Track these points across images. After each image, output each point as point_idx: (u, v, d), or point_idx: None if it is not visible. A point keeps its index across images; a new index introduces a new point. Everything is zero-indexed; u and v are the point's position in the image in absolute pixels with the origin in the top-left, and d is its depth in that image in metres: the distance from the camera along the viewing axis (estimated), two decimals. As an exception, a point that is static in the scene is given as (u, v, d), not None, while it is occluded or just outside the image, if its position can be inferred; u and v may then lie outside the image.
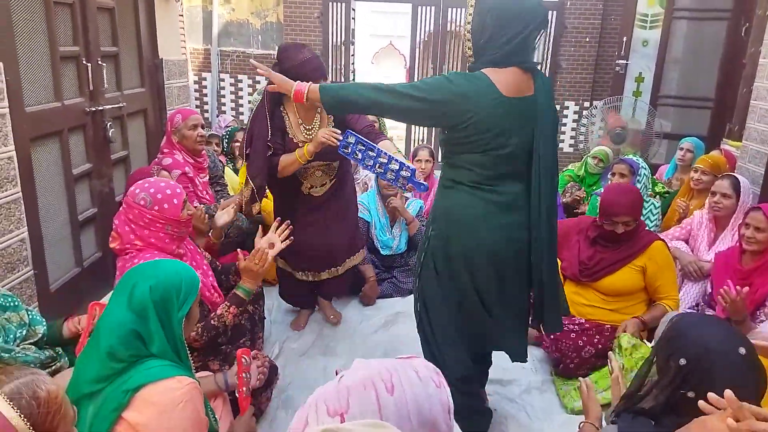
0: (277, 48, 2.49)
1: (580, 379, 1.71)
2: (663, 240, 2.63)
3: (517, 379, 2.61)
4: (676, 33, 5.52)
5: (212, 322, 2.01)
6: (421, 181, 2.34)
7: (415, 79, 6.44)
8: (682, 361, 1.16)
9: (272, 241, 2.23)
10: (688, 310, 2.90)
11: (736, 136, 4.39)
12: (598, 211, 3.68)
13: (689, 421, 1.09)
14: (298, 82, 2.00)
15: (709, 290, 2.84)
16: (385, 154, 2.35)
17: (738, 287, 2.24)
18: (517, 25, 1.68)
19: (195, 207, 2.62)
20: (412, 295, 3.28)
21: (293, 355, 2.77)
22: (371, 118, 2.87)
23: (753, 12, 4.63)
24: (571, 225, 2.77)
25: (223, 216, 2.67)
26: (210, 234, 2.76)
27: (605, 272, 2.59)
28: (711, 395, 1.00)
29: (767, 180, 3.48)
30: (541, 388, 2.56)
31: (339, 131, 2.39)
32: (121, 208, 2.03)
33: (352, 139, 2.33)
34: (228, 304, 2.05)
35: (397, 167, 2.31)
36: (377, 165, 2.34)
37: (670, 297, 2.53)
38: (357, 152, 2.35)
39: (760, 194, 3.43)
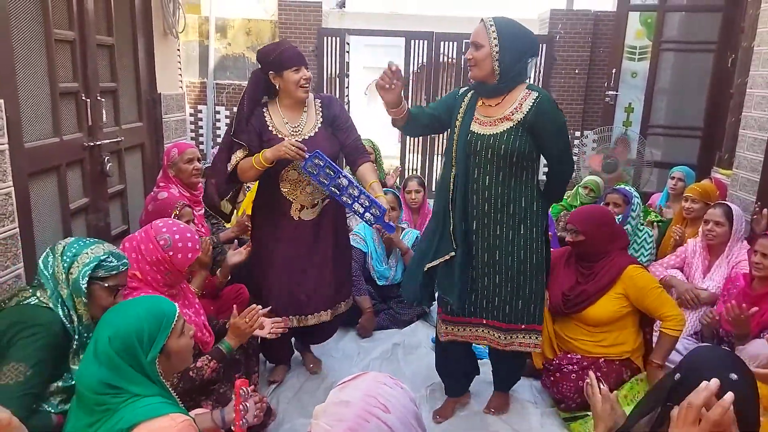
0: (256, 54, 2.50)
1: (591, 379, 1.60)
2: (636, 262, 2.60)
3: (515, 410, 2.59)
4: (664, 64, 5.66)
5: (190, 373, 1.97)
6: (390, 223, 2.31)
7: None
8: (677, 376, 1.20)
9: (264, 322, 2.18)
10: (687, 338, 2.90)
11: (726, 165, 4.46)
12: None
13: None
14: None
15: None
16: (357, 186, 2.26)
17: (744, 305, 2.30)
18: (529, 51, 2.16)
19: (202, 239, 2.63)
20: (411, 325, 3.34)
21: (289, 389, 2.72)
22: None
23: (738, 44, 4.75)
24: (557, 256, 2.75)
25: (235, 256, 2.71)
26: (218, 272, 2.77)
27: (587, 303, 2.57)
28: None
29: (760, 207, 3.53)
30: (542, 421, 2.53)
31: (306, 148, 2.28)
32: (137, 233, 2.04)
33: (319, 161, 2.23)
34: (209, 357, 2.02)
35: (368, 203, 2.27)
36: (345, 195, 2.27)
37: (669, 316, 2.43)
38: (324, 177, 2.24)
39: (752, 222, 3.47)
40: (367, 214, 2.31)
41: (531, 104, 2.12)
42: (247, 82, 2.52)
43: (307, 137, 2.44)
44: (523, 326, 2.30)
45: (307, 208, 2.50)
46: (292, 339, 2.85)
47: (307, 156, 2.25)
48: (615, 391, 1.69)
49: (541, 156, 2.25)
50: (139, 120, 3.66)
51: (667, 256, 3.43)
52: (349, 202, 2.29)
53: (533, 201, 2.23)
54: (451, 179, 2.25)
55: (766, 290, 2.51)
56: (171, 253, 1.97)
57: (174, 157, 3.06)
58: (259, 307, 2.15)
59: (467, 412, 2.58)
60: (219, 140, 6.45)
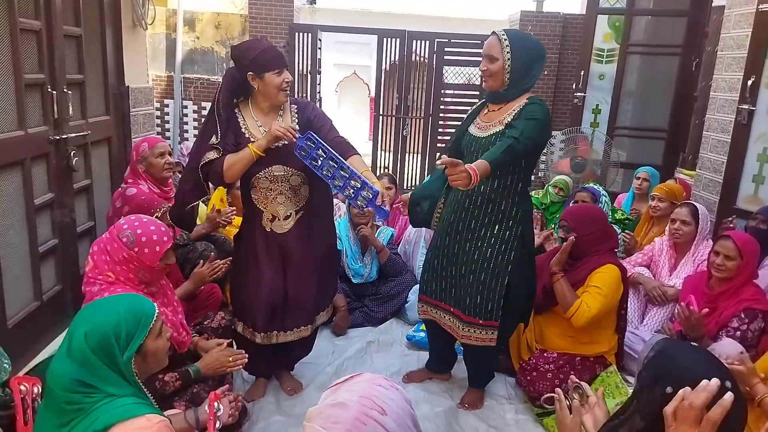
0: (230, 50, 2.32)
1: (558, 394, 1.58)
2: (618, 266, 2.59)
3: (490, 406, 2.63)
4: (631, 67, 5.79)
5: (156, 383, 1.91)
6: (384, 207, 2.19)
7: (380, 108, 6.54)
8: (669, 389, 1.16)
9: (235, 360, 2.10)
10: (655, 333, 2.97)
11: (690, 165, 4.60)
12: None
13: None
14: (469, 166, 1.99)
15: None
16: (349, 168, 2.19)
17: (692, 308, 2.34)
18: (538, 60, 2.27)
19: (216, 264, 2.57)
20: (386, 323, 3.35)
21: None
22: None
23: (702, 48, 4.90)
24: (547, 255, 2.78)
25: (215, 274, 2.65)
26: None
27: None
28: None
29: (722, 207, 3.65)
30: (516, 417, 2.57)
31: (298, 128, 2.20)
32: (104, 234, 1.98)
33: (312, 142, 2.16)
34: (177, 377, 1.98)
35: (359, 185, 2.19)
36: (336, 178, 2.20)
37: (585, 301, 2.46)
38: (316, 158, 2.18)
39: (716, 221, 3.59)
40: (359, 198, 2.21)
41: (519, 108, 2.26)
42: (219, 79, 2.44)
43: (281, 144, 2.28)
44: (480, 321, 2.39)
45: (279, 220, 2.37)
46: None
47: (298, 137, 2.18)
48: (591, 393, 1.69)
49: (526, 162, 2.32)
50: (106, 113, 3.56)
51: (633, 254, 3.52)
52: (341, 185, 2.20)
53: (514, 206, 2.33)
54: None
55: (722, 290, 2.56)
56: (136, 249, 1.91)
57: (144, 152, 2.99)
58: (245, 357, 2.09)
59: (442, 408, 2.60)
60: (186, 135, 6.34)
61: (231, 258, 2.61)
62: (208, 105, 6.23)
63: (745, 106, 3.48)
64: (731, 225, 3.32)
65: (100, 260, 1.93)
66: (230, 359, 2.07)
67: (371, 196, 2.18)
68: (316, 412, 0.87)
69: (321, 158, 2.19)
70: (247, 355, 2.12)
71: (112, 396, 1.39)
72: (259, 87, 2.27)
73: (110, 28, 3.51)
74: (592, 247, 2.59)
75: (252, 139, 2.29)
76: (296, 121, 2.40)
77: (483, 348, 2.43)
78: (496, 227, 2.33)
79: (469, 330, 2.41)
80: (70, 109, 2.98)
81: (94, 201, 3.39)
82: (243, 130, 2.32)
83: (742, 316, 2.46)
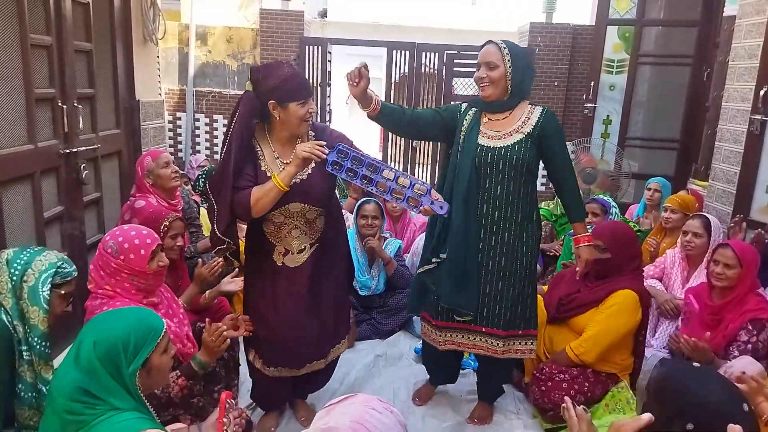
0: (250, 71, 2.16)
1: (566, 403, 1.55)
2: (639, 290, 2.53)
3: (498, 421, 2.59)
4: (641, 77, 5.75)
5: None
6: (440, 200, 2.07)
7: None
8: (690, 426, 1.13)
9: (236, 324, 2.08)
10: (663, 353, 2.91)
11: (702, 176, 4.54)
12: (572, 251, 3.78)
13: None
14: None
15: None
16: (391, 169, 2.05)
17: (694, 339, 2.28)
18: (531, 68, 2.35)
19: (213, 262, 2.58)
20: (393, 336, 3.32)
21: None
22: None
23: (714, 58, 4.85)
24: (562, 272, 2.76)
25: (230, 285, 2.69)
26: (206, 294, 2.70)
27: (576, 312, 2.60)
28: None
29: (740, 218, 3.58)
30: (524, 432, 2.53)
31: (325, 143, 2.04)
32: (96, 252, 2.00)
33: (344, 154, 2.02)
34: (178, 374, 1.93)
35: (408, 184, 2.05)
36: (378, 183, 2.05)
37: (584, 341, 2.46)
38: (352, 169, 2.03)
39: (729, 231, 3.53)
40: (410, 198, 2.07)
41: (538, 117, 2.29)
42: (231, 92, 2.41)
43: (298, 180, 2.12)
44: (520, 332, 2.38)
45: (292, 254, 2.21)
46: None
47: (327, 153, 2.03)
48: (589, 412, 1.65)
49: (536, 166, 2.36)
50: (116, 127, 3.60)
51: (645, 266, 3.46)
52: (385, 189, 2.06)
53: (533, 211, 2.37)
54: (451, 190, 2.32)
55: (726, 301, 2.51)
56: (122, 257, 1.94)
57: (149, 165, 3.01)
58: (224, 327, 2.00)
59: (450, 423, 2.56)
60: (198, 147, 6.39)
61: (238, 268, 2.57)
62: (219, 118, 6.34)
63: (758, 117, 3.43)
64: (738, 227, 3.27)
65: (98, 276, 1.98)
66: (213, 338, 1.95)
67: (425, 191, 2.07)
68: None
69: (356, 167, 2.05)
70: (246, 317, 2.11)
71: (115, 410, 1.39)
72: (281, 116, 2.09)
73: (121, 43, 3.56)
74: (621, 268, 2.57)
75: (268, 173, 2.12)
76: None
77: (505, 361, 2.42)
78: (524, 235, 2.34)
79: (508, 344, 2.38)
80: (81, 122, 3.01)
81: (103, 214, 3.42)
82: (261, 165, 2.15)
83: (750, 327, 2.40)
